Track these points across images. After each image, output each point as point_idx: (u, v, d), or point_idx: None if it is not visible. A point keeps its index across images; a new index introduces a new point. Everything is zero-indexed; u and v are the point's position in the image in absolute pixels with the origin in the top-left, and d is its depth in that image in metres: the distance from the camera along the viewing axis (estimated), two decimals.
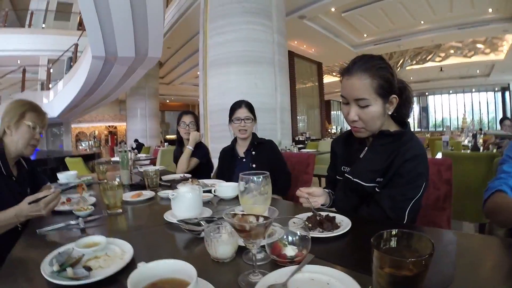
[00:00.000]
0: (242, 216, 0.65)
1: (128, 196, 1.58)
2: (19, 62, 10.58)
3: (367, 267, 0.56)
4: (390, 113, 1.10)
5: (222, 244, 0.73)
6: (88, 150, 11.90)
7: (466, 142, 5.34)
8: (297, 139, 9.33)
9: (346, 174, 1.21)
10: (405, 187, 1.04)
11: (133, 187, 1.93)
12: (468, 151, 4.11)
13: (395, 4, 8.40)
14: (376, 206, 1.08)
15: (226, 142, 2.89)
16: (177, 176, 2.20)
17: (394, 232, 0.55)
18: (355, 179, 1.15)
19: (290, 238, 0.72)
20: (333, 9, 8.57)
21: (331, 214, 1.00)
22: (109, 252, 0.84)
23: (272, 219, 0.60)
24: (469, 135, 5.39)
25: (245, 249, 0.79)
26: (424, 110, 21.38)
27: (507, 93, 17.82)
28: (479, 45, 12.52)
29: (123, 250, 0.84)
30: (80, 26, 11.06)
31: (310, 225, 0.92)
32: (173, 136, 19.40)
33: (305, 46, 11.01)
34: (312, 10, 8.18)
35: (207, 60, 4.44)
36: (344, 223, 0.94)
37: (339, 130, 19.57)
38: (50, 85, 10.04)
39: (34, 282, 0.73)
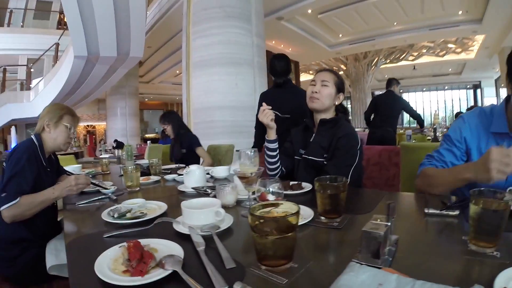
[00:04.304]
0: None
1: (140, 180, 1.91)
2: None
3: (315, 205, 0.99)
4: (337, 103, 1.62)
5: (229, 194, 1.14)
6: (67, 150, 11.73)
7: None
8: None
9: (303, 155, 1.65)
10: (344, 156, 1.49)
11: None
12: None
13: (369, 7, 8.71)
14: (326, 175, 1.51)
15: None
16: (173, 166, 2.63)
17: (327, 177, 0.98)
18: (309, 157, 1.60)
19: (271, 190, 1.13)
20: (309, 11, 8.84)
21: (299, 182, 1.44)
22: (148, 207, 1.23)
23: (261, 171, 1.02)
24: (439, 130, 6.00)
25: (241, 201, 1.21)
26: None
27: (478, 91, 18.22)
28: (450, 45, 12.78)
29: (158, 206, 1.23)
30: (60, 25, 10.90)
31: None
32: (152, 135, 19.32)
33: (282, 45, 11.23)
34: (290, 11, 8.42)
35: (190, 62, 4.67)
36: (307, 187, 1.38)
37: None
38: (31, 85, 9.85)
39: (100, 227, 1.06)
